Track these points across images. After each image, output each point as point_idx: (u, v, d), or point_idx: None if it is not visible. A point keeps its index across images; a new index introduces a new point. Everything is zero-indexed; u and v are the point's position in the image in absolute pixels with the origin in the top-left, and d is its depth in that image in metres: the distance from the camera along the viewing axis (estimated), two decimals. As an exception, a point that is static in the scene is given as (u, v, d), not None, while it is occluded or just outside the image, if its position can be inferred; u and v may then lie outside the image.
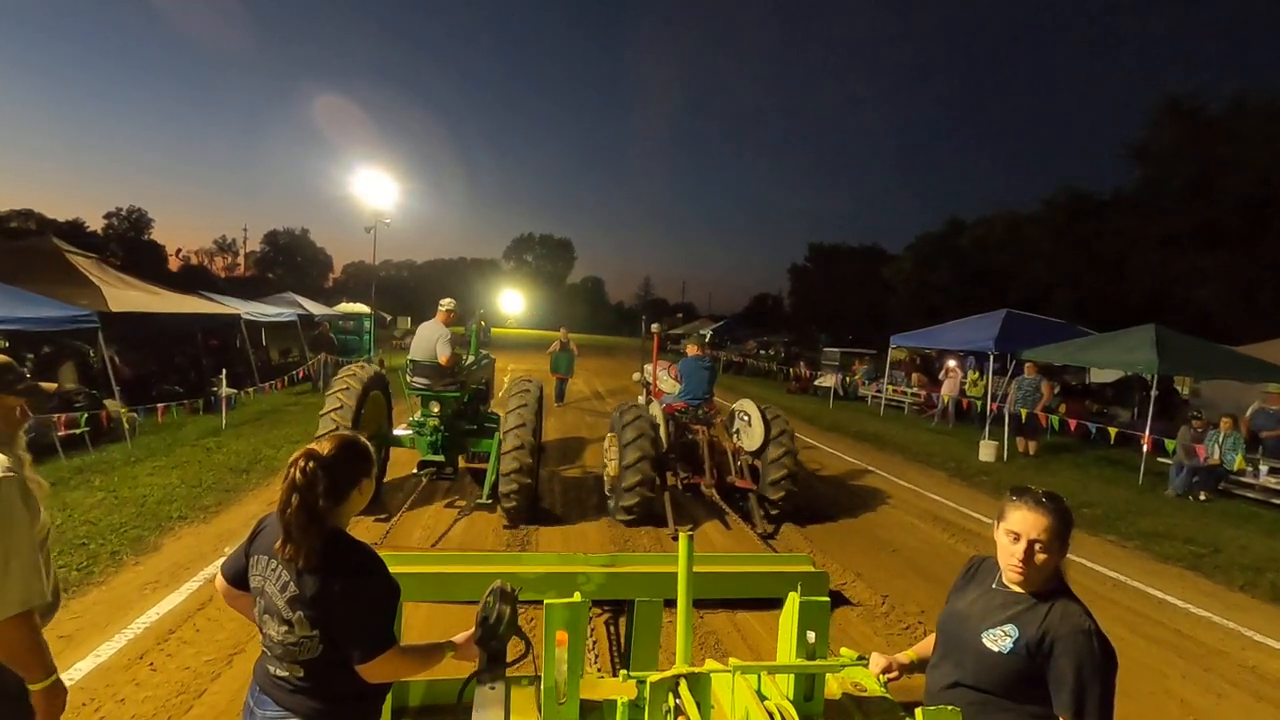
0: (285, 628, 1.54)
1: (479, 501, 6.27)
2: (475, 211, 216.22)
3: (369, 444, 1.72)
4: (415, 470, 6.48)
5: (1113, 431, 9.33)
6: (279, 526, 1.55)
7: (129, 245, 70.52)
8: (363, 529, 5.75)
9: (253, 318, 14.30)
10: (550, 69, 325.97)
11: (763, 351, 27.45)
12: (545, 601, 2.07)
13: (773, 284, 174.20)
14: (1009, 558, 1.64)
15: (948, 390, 14.27)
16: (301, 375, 13.46)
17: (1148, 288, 30.28)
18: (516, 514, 5.85)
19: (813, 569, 2.92)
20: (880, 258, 62.28)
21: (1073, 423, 9.87)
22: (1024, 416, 10.41)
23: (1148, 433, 9.27)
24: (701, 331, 35.90)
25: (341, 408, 5.72)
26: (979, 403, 12.20)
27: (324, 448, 1.59)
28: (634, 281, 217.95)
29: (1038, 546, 1.59)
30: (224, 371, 9.95)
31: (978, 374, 15.07)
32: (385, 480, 6.80)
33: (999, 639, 1.63)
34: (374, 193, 24.02)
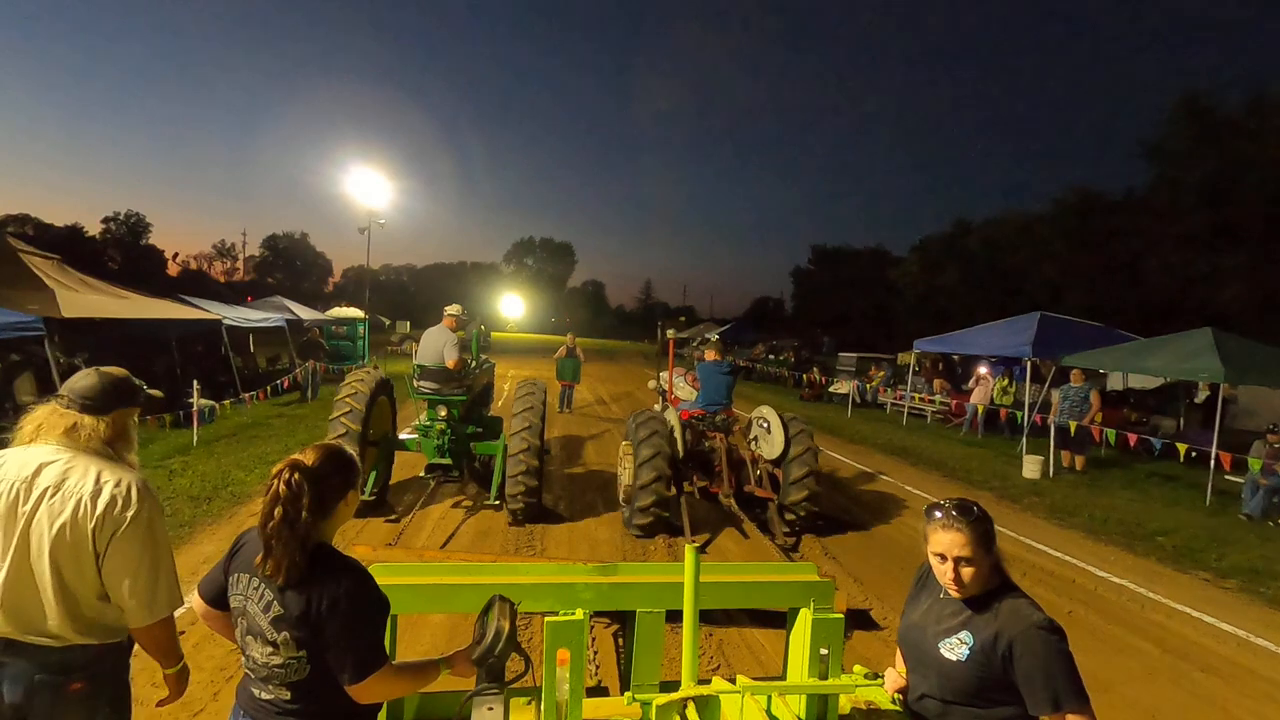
0: (270, 649, 1.48)
1: (486, 503, 6.42)
2: (475, 215, 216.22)
3: (355, 454, 1.65)
4: (423, 473, 6.53)
5: (1181, 448, 8.39)
6: (260, 542, 1.49)
7: (127, 250, 69.83)
8: (373, 529, 5.81)
9: (236, 323, 13.43)
10: (550, 72, 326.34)
11: (771, 356, 26.51)
12: (545, 620, 2.03)
13: (774, 287, 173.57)
14: (942, 576, 1.66)
15: (978, 398, 13.34)
16: (287, 385, 12.56)
17: (1165, 289, 29.59)
18: (523, 515, 5.97)
19: (818, 578, 2.56)
20: (885, 260, 61.64)
21: (1133, 438, 8.94)
22: (1073, 429, 9.49)
23: (1214, 446, 8.34)
24: (708, 335, 35.11)
25: (350, 412, 5.80)
26: (1019, 414, 11.26)
27: (309, 458, 1.53)
28: (635, 285, 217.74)
29: (962, 562, 1.61)
30: (195, 382, 9.04)
31: (1007, 381, 14.16)
32: (392, 482, 6.84)
33: (955, 647, 1.62)
34: (368, 193, 23.23)
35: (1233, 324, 23.94)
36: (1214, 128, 27.59)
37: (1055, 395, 12.45)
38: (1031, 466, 9.70)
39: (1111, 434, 9.06)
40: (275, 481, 1.47)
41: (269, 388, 11.57)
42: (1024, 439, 11.52)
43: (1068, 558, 6.17)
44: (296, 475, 1.47)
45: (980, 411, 12.55)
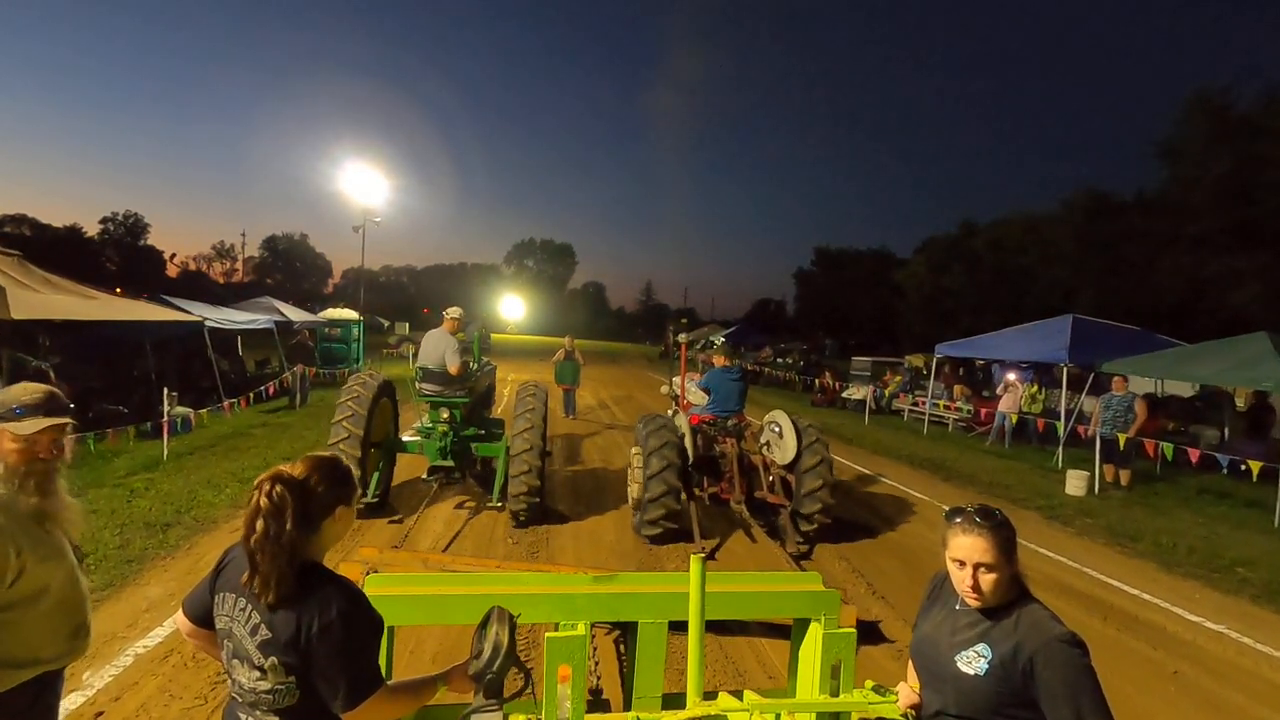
0: (257, 674, 1.40)
1: (489, 505, 6.42)
2: (475, 216, 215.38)
3: (349, 466, 1.58)
4: (425, 476, 6.48)
5: (1255, 466, 7.63)
6: (244, 558, 1.42)
7: (125, 251, 69.17)
8: (377, 530, 5.81)
9: (219, 325, 12.67)
10: (551, 73, 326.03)
11: (779, 360, 25.76)
12: (546, 636, 2.01)
13: (776, 289, 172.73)
14: (961, 584, 1.59)
15: (1007, 406, 12.57)
16: (272, 391, 11.80)
17: (1179, 291, 29.03)
18: (526, 516, 5.96)
19: (823, 588, 2.51)
20: (889, 261, 61.05)
21: (1194, 453, 8.17)
22: (1121, 442, 8.74)
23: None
24: (712, 338, 34.40)
25: (353, 415, 5.79)
26: (1058, 424, 10.49)
27: (296, 470, 1.46)
28: (635, 286, 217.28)
29: (983, 569, 1.54)
30: (165, 389, 8.29)
31: (1036, 388, 13.41)
32: (393, 484, 6.82)
33: (973, 660, 1.56)
34: (364, 191, 22.53)
35: (1250, 327, 23.32)
36: (1229, 125, 27.02)
37: (1090, 404, 11.71)
38: (1076, 482, 8.93)
39: (1169, 448, 8.28)
40: (256, 493, 1.40)
41: (251, 394, 10.80)
42: (1060, 450, 10.79)
43: (1147, 596, 5.41)
44: (279, 487, 1.39)
45: (1013, 420, 11.75)
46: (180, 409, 10.11)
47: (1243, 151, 26.00)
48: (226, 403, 9.94)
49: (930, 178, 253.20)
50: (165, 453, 8.00)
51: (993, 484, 9.39)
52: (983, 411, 13.08)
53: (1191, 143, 28.29)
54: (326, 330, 18.78)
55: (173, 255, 74.13)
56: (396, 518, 6.12)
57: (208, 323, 11.77)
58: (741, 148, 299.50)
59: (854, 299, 62.58)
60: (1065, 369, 10.74)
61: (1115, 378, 9.59)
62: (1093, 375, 10.74)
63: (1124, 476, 9.32)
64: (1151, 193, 32.69)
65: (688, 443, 6.11)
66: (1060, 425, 10.41)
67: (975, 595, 1.56)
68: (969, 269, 44.85)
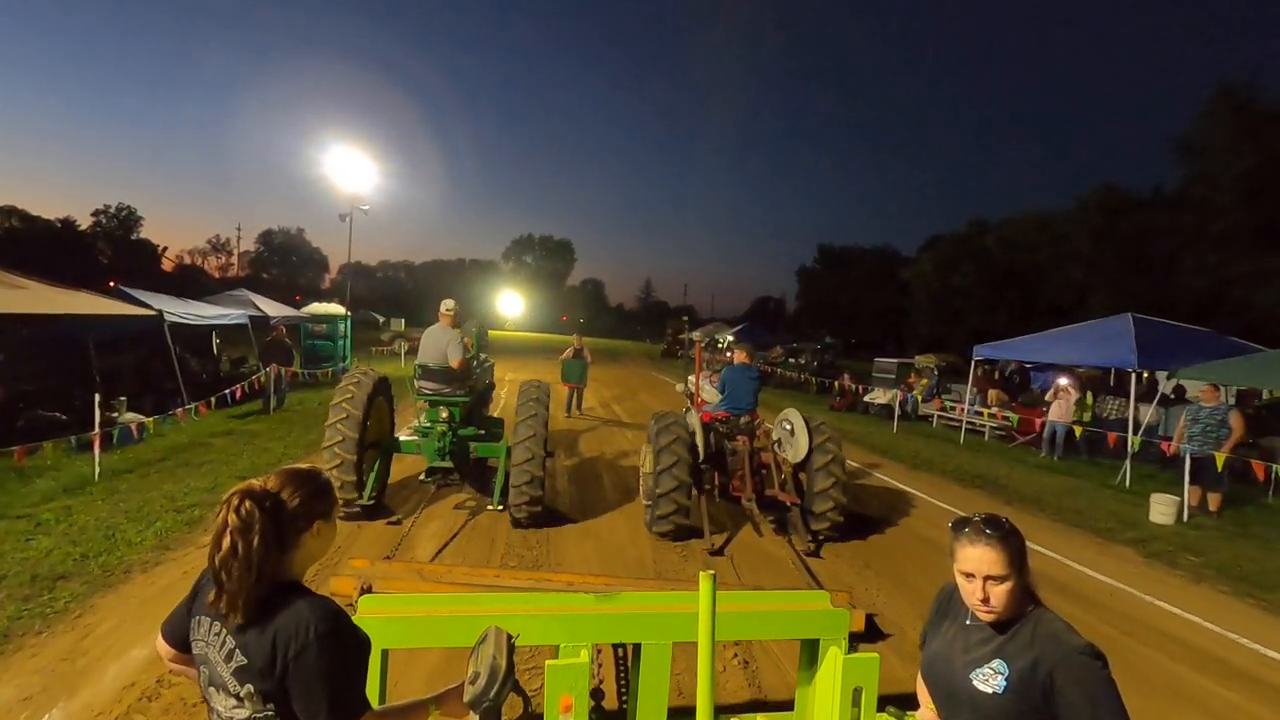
0: (234, 702, 1.31)
1: (490, 508, 6.31)
2: (474, 212, 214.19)
3: (328, 478, 1.47)
4: (423, 477, 6.40)
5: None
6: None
7: (118, 244, 67.82)
8: (374, 532, 5.64)
9: (184, 320, 11.39)
10: (549, 69, 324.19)
11: (791, 360, 24.51)
12: (547, 664, 2.00)
13: (775, 286, 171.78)
14: (972, 598, 1.52)
15: (1058, 415, 11.33)
16: (240, 395, 10.53)
17: (1200, 290, 28.10)
18: (527, 519, 5.88)
19: (830, 607, 2.29)
20: (893, 259, 60.14)
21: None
22: (1220, 462, 7.51)
23: None
24: (716, 337, 33.15)
25: (348, 416, 5.63)
26: (1133, 438, 9.25)
27: (269, 484, 1.38)
28: (634, 283, 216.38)
29: (993, 580, 1.48)
30: (98, 395, 7.01)
31: (1085, 395, 12.17)
32: (390, 483, 6.69)
33: (989, 678, 1.48)
34: (354, 179, 21.27)
35: (1276, 327, 22.38)
36: (1253, 121, 26.15)
37: (1155, 414, 10.50)
38: (1161, 508, 7.69)
39: (1284, 472, 7.05)
40: (224, 509, 1.30)
41: (214, 399, 9.53)
42: (1127, 466, 9.57)
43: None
44: (248, 504, 1.30)
45: (1079, 434, 10.48)
46: (130, 415, 8.87)
47: (1268, 147, 25.24)
48: (181, 409, 8.65)
49: (933, 177, 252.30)
50: (97, 471, 6.74)
51: (1061, 508, 8.14)
52: (1036, 421, 11.82)
53: (1215, 138, 27.46)
54: (311, 327, 17.52)
55: (164, 249, 72.49)
56: (394, 519, 6.00)
57: (169, 317, 10.49)
58: (741, 144, 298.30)
59: (857, 297, 61.59)
60: (1134, 375, 9.51)
61: (1204, 387, 8.35)
62: (1161, 382, 9.51)
63: (1213, 501, 8.07)
64: (1171, 190, 31.93)
65: (699, 440, 6.14)
66: (1132, 439, 9.17)
67: (987, 609, 1.48)
68: (979, 268, 43.91)
